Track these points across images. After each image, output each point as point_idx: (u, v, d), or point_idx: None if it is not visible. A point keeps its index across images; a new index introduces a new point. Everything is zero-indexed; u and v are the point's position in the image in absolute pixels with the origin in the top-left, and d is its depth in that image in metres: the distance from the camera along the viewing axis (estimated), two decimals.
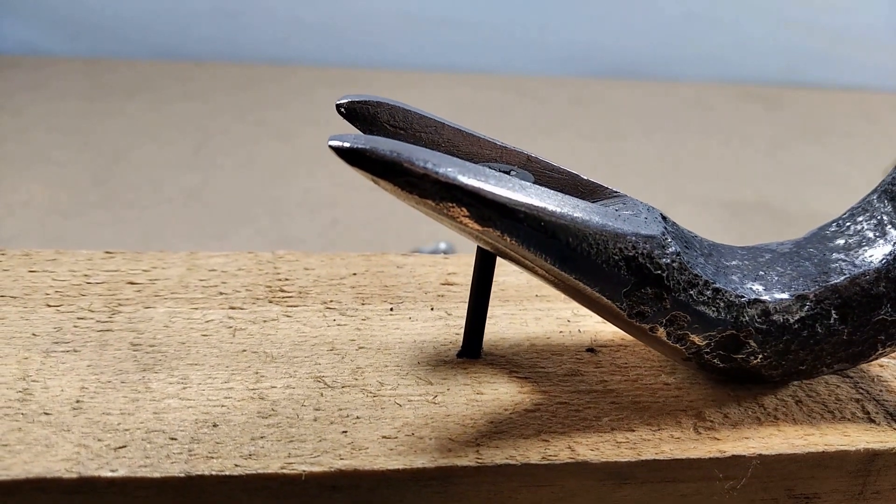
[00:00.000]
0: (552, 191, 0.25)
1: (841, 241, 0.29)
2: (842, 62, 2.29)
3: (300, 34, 1.87)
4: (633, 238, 0.25)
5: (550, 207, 0.24)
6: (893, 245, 0.28)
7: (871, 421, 0.29)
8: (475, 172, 0.23)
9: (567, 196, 0.25)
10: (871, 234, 0.29)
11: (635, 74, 2.19)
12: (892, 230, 0.28)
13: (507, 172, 0.27)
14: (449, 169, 0.22)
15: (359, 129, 0.29)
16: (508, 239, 0.24)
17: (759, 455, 0.27)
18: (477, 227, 0.23)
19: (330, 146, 0.22)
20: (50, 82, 1.51)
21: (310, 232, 1.03)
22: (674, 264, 0.26)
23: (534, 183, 0.25)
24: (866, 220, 0.29)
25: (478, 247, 0.29)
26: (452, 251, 0.91)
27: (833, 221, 0.30)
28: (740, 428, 0.28)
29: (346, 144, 0.22)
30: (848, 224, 0.30)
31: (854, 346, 0.29)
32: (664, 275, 0.26)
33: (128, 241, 0.95)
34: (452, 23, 2.02)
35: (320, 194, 1.15)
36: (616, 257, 0.25)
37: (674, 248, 0.26)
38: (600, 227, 0.25)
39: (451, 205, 0.23)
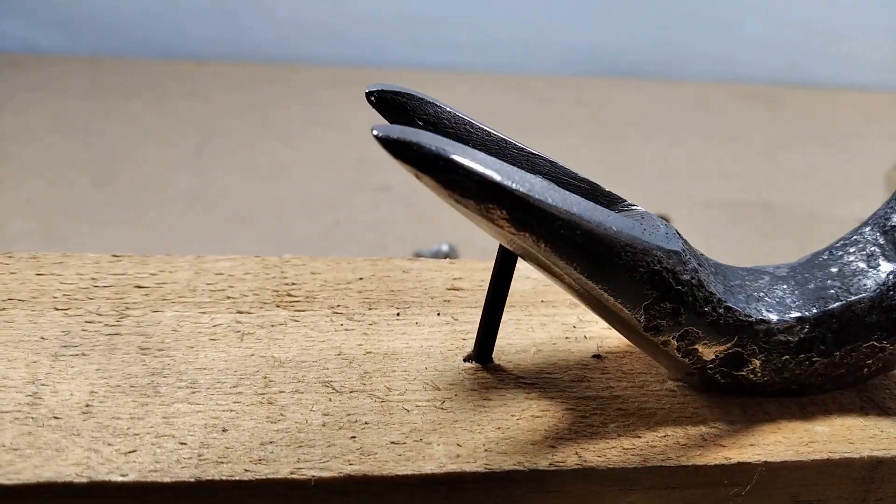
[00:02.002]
0: (588, 201, 0.25)
1: (835, 269, 0.30)
2: (842, 62, 2.30)
3: (302, 33, 1.87)
4: (659, 253, 0.26)
5: (587, 217, 0.24)
6: (886, 276, 0.29)
7: (876, 428, 0.29)
8: (519, 176, 0.23)
9: (599, 207, 0.25)
10: (863, 265, 0.30)
11: (636, 74, 2.19)
12: (883, 262, 0.29)
13: None
14: (493, 170, 0.22)
15: (386, 120, 0.29)
16: (542, 245, 0.24)
17: (765, 462, 0.27)
18: (513, 230, 0.23)
19: (374, 136, 0.22)
20: (51, 81, 1.51)
21: (312, 233, 1.03)
22: (693, 281, 0.26)
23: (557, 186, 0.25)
24: (858, 251, 0.30)
25: (499, 250, 0.29)
26: (455, 253, 0.91)
27: (826, 249, 0.31)
28: (745, 435, 0.28)
29: (393, 136, 0.22)
30: (840, 253, 0.31)
31: (842, 368, 0.30)
32: (684, 290, 0.26)
33: (130, 241, 0.95)
34: (452, 23, 2.02)
35: (323, 195, 1.15)
36: (643, 270, 0.25)
37: (693, 265, 0.26)
38: (630, 240, 0.25)
39: (492, 206, 0.23)
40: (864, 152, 1.73)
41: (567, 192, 0.24)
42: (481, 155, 0.23)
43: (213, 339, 0.32)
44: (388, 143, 0.22)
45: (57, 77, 1.54)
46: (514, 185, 0.23)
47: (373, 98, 0.28)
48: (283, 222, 1.05)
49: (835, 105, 2.16)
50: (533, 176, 0.24)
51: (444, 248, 0.90)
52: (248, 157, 1.27)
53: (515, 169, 0.23)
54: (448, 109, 0.29)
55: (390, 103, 0.28)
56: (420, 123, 0.29)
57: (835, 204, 1.41)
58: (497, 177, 0.22)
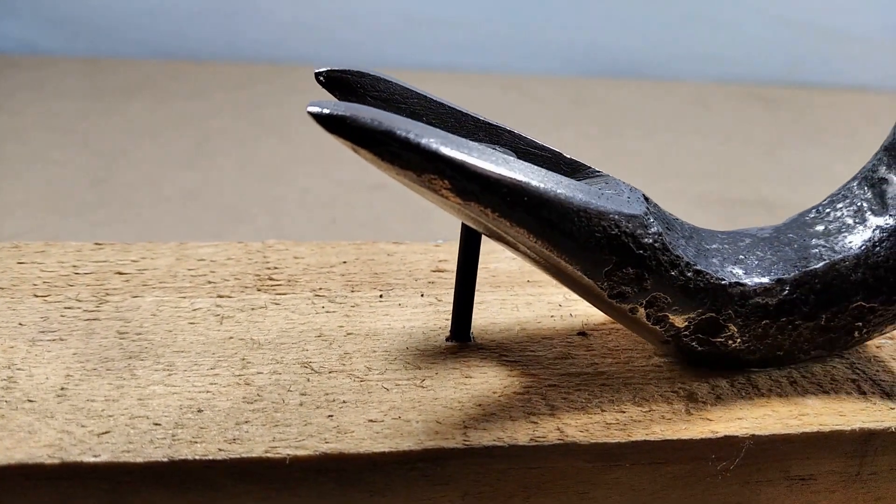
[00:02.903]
0: (536, 166, 0.24)
1: (821, 227, 0.29)
2: (842, 62, 2.29)
3: (300, 34, 1.87)
4: (616, 216, 0.25)
5: (534, 182, 0.24)
6: (873, 231, 0.28)
7: (867, 401, 0.29)
8: (458, 144, 0.23)
9: (551, 172, 0.24)
10: (850, 221, 0.29)
11: (635, 74, 2.19)
12: (871, 217, 0.28)
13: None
14: (431, 139, 0.22)
15: (337, 99, 0.29)
16: (490, 213, 0.23)
17: (753, 436, 0.26)
18: (458, 200, 0.23)
19: (309, 112, 0.21)
20: (49, 82, 1.51)
21: (308, 231, 1.02)
22: (656, 244, 0.26)
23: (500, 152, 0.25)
24: (846, 207, 0.29)
25: (462, 226, 0.29)
26: None
27: (813, 208, 0.30)
28: (733, 409, 0.28)
29: (326, 111, 0.21)
30: (828, 210, 0.30)
31: (831, 332, 0.29)
32: (646, 255, 0.25)
33: (128, 240, 0.94)
34: (452, 23, 2.02)
35: (319, 194, 1.15)
36: (598, 235, 0.25)
37: (656, 229, 0.26)
38: (584, 204, 0.24)
39: (433, 176, 0.22)
40: (863, 152, 1.72)
41: (512, 157, 0.24)
42: (420, 125, 0.22)
43: (192, 323, 0.31)
44: (322, 119, 0.21)
45: (55, 77, 1.54)
46: (452, 153, 0.22)
47: (322, 78, 0.28)
48: (279, 221, 1.05)
49: (835, 105, 2.16)
50: (475, 143, 0.23)
51: (440, 244, 0.90)
52: (245, 157, 1.27)
53: (457, 137, 0.23)
54: (399, 84, 0.28)
55: (340, 82, 0.28)
56: (371, 100, 0.28)
57: None
58: (434, 145, 0.22)
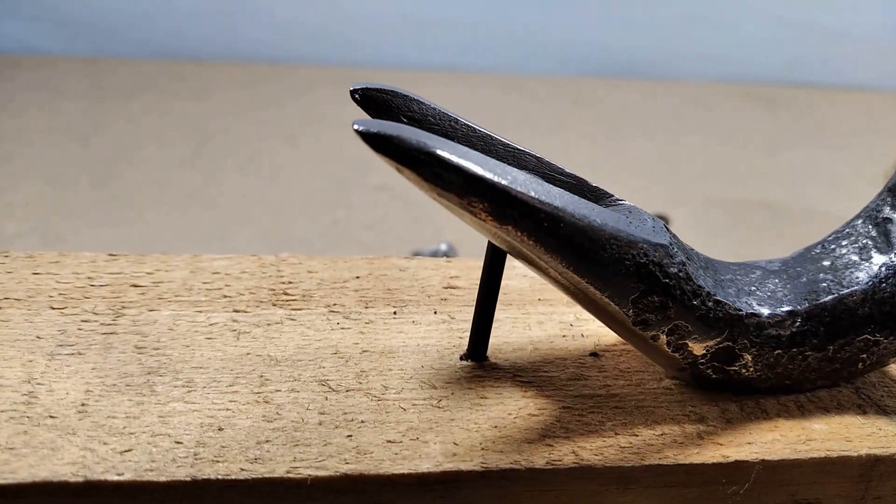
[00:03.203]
0: (572, 194, 0.25)
1: (827, 263, 0.30)
2: (842, 62, 2.30)
3: (300, 34, 1.87)
4: (645, 246, 0.25)
5: (570, 209, 0.24)
6: (878, 268, 0.29)
7: (873, 426, 0.29)
8: (500, 169, 0.23)
9: (584, 200, 0.25)
10: (855, 258, 0.30)
11: (635, 74, 2.19)
12: (876, 254, 0.29)
13: None
14: (475, 164, 0.22)
15: (371, 118, 0.29)
16: (526, 238, 0.24)
17: (762, 460, 0.27)
18: (496, 224, 0.23)
19: (355, 130, 0.21)
20: (50, 82, 1.51)
21: (311, 232, 1.03)
22: (680, 274, 0.26)
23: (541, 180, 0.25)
24: (851, 244, 0.30)
25: (488, 247, 0.29)
26: (453, 252, 0.91)
27: (818, 243, 0.31)
28: (743, 433, 0.28)
29: (373, 130, 0.21)
30: (833, 247, 0.30)
31: (837, 362, 0.29)
32: (671, 283, 0.26)
33: (129, 242, 0.95)
34: (452, 23, 2.02)
35: (321, 195, 1.15)
36: (628, 263, 0.25)
37: (681, 258, 0.26)
38: (615, 232, 0.25)
39: (473, 199, 0.23)
40: (863, 152, 1.73)
41: (550, 185, 0.24)
42: (463, 148, 0.23)
43: (209, 338, 0.32)
44: (369, 138, 0.21)
45: (56, 78, 1.53)
46: (495, 178, 0.22)
47: (357, 96, 0.28)
48: (281, 222, 1.05)
49: (835, 105, 2.16)
50: (516, 169, 0.24)
51: (443, 247, 0.90)
52: (247, 157, 1.27)
53: (497, 162, 0.23)
54: (433, 106, 0.29)
55: (375, 101, 0.28)
56: (405, 120, 0.28)
57: (834, 203, 1.41)
58: (478, 169, 0.22)
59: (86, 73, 1.58)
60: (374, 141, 0.22)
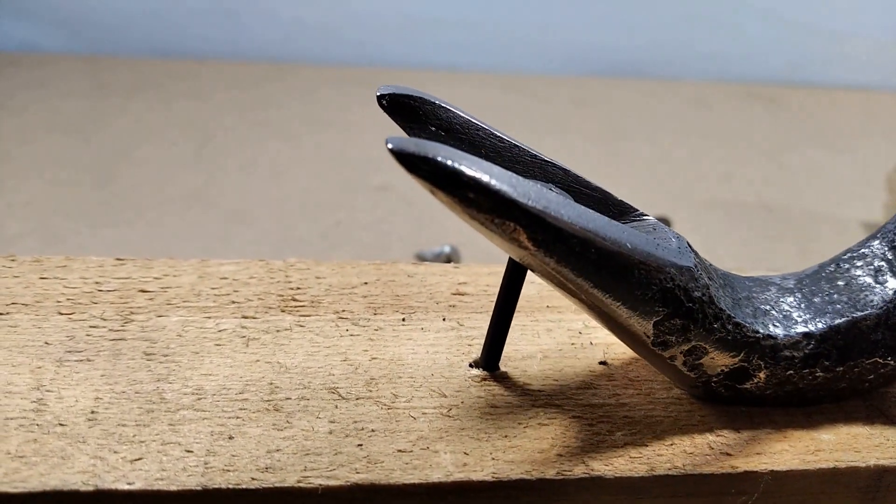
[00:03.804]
0: (604, 217, 0.25)
1: (842, 283, 0.30)
2: (842, 62, 2.29)
3: (302, 33, 1.86)
4: (672, 270, 0.25)
5: (603, 234, 0.24)
6: (893, 293, 0.29)
7: (881, 437, 0.29)
8: (536, 193, 0.23)
9: (615, 223, 0.25)
10: (870, 280, 0.30)
11: (636, 73, 2.19)
12: (891, 278, 0.29)
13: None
14: (510, 187, 0.22)
15: (398, 123, 0.28)
16: (556, 262, 0.24)
17: (771, 471, 0.27)
18: (530, 247, 0.23)
19: (389, 150, 0.21)
20: (51, 81, 1.50)
21: (313, 233, 1.02)
22: (704, 298, 0.26)
23: (572, 201, 0.25)
24: (866, 265, 0.30)
25: (509, 260, 0.29)
26: (456, 254, 0.91)
27: (833, 261, 0.31)
28: (752, 443, 0.28)
29: (409, 150, 0.21)
30: (847, 266, 0.30)
31: (843, 382, 0.30)
32: (695, 307, 0.26)
33: (130, 241, 0.95)
34: (452, 22, 2.02)
35: (323, 194, 1.15)
36: (655, 288, 0.25)
37: (704, 281, 0.26)
38: (645, 258, 0.25)
39: (507, 223, 0.22)
40: (865, 153, 1.73)
41: (583, 207, 0.24)
42: (497, 169, 0.22)
43: (218, 345, 0.32)
44: (404, 158, 0.21)
45: (57, 76, 1.53)
46: (531, 203, 0.22)
47: (384, 101, 0.28)
48: (283, 222, 1.05)
49: (835, 105, 2.16)
50: (549, 191, 0.23)
51: (447, 249, 0.90)
52: (249, 157, 1.27)
53: (531, 184, 0.23)
54: (460, 114, 0.28)
55: (402, 107, 0.28)
56: (432, 128, 0.28)
57: (835, 205, 1.41)
58: (514, 194, 0.22)
59: (87, 72, 1.57)
60: (409, 162, 0.21)
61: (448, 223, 1.04)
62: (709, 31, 2.24)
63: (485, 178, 0.22)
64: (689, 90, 2.14)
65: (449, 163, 0.21)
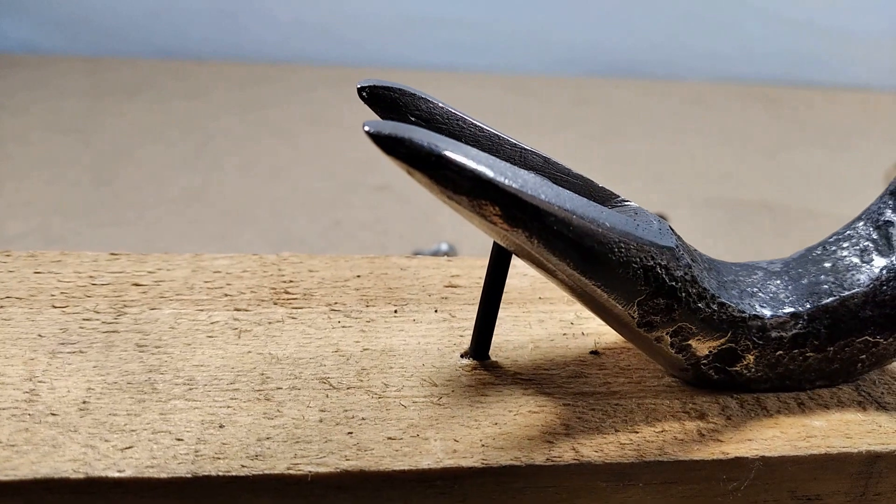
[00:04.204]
0: (581, 197, 0.25)
1: (828, 264, 0.30)
2: (842, 62, 2.30)
3: (301, 33, 1.87)
4: (652, 249, 0.25)
5: (580, 212, 0.24)
6: (880, 271, 0.29)
7: (874, 423, 0.29)
8: (511, 173, 0.23)
9: (593, 203, 0.25)
10: (856, 260, 0.30)
11: (636, 74, 2.19)
12: (877, 257, 0.29)
13: None
14: (486, 167, 0.22)
15: (378, 116, 0.29)
16: (535, 241, 0.24)
17: (762, 457, 0.27)
18: (507, 227, 0.23)
19: (366, 132, 0.21)
20: (51, 81, 1.51)
21: (311, 233, 1.03)
22: (686, 276, 0.26)
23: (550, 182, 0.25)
24: (852, 246, 0.30)
25: (493, 246, 0.29)
26: (454, 252, 0.91)
27: (819, 245, 0.31)
28: (743, 430, 0.28)
29: (385, 132, 0.21)
30: (833, 248, 0.31)
31: (836, 363, 0.30)
32: (677, 286, 0.26)
33: (130, 241, 0.95)
34: (452, 22, 2.03)
35: (322, 195, 1.15)
36: (636, 266, 0.25)
37: (686, 261, 0.26)
38: (624, 237, 0.25)
39: (484, 203, 0.23)
40: (863, 152, 1.73)
41: (560, 188, 0.24)
42: (474, 151, 0.22)
43: (210, 337, 0.32)
44: (380, 140, 0.21)
45: (56, 77, 1.54)
46: (507, 182, 0.22)
47: (364, 93, 0.28)
48: (282, 221, 1.05)
49: (835, 105, 2.16)
50: (526, 172, 0.24)
51: (444, 247, 0.90)
52: (248, 157, 1.27)
53: (508, 165, 0.23)
54: (440, 105, 0.29)
55: (382, 99, 0.28)
56: (412, 119, 0.28)
57: (834, 204, 1.41)
58: (490, 173, 0.22)
59: (86, 73, 1.58)
60: (385, 143, 0.21)
61: (445, 222, 1.05)
62: (708, 31, 2.25)
63: (460, 157, 0.22)
64: (689, 90, 2.15)
65: (425, 143, 0.21)
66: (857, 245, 0.30)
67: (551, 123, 1.75)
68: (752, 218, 1.37)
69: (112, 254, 0.38)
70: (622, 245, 0.25)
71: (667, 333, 0.27)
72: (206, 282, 0.36)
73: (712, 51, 2.26)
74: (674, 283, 0.26)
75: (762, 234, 1.31)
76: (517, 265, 0.39)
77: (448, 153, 0.22)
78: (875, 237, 0.30)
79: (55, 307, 0.33)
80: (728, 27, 2.27)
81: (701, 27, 2.25)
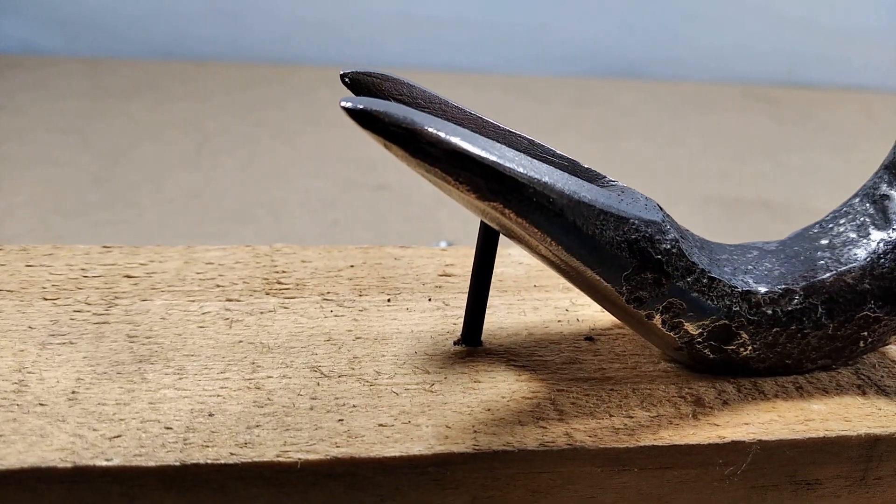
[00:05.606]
0: (560, 171, 0.25)
1: (825, 241, 0.30)
2: (842, 62, 2.29)
3: (301, 34, 1.87)
4: (636, 222, 0.25)
5: (559, 185, 0.24)
6: (877, 244, 0.29)
7: (873, 407, 0.29)
8: (487, 145, 0.23)
9: (574, 178, 0.25)
10: (854, 235, 0.29)
11: (636, 74, 2.19)
12: (874, 231, 0.29)
13: None
14: (461, 139, 0.22)
15: None
16: (514, 215, 0.23)
17: (759, 441, 0.27)
18: (484, 200, 0.23)
19: (342, 107, 0.21)
20: (50, 82, 1.51)
21: (310, 232, 1.02)
22: (673, 250, 0.26)
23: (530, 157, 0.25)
24: (849, 222, 0.30)
25: (480, 227, 0.29)
26: None
27: (816, 223, 0.31)
28: (740, 414, 0.28)
29: (360, 106, 0.21)
30: (831, 225, 0.30)
31: (837, 341, 0.29)
32: (664, 260, 0.26)
33: (129, 241, 0.95)
34: (452, 23, 2.03)
35: (321, 194, 1.15)
36: (619, 239, 0.25)
37: (673, 235, 0.26)
38: (605, 209, 0.25)
39: (461, 175, 0.22)
40: (863, 152, 1.73)
41: (539, 161, 0.24)
42: (451, 125, 0.22)
43: (201, 327, 0.32)
44: (357, 114, 0.21)
45: (56, 77, 1.54)
46: (483, 153, 0.22)
47: (347, 79, 0.28)
48: (281, 221, 1.05)
49: (835, 105, 2.16)
50: (503, 146, 0.23)
51: (443, 245, 0.90)
52: (247, 157, 1.27)
53: (485, 139, 0.23)
54: (423, 89, 0.29)
55: (364, 84, 0.28)
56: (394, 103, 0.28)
57: (833, 203, 1.40)
58: (465, 145, 0.22)
59: (86, 73, 1.58)
60: (361, 117, 0.21)
61: (444, 221, 1.04)
62: (709, 31, 2.24)
63: (436, 130, 0.22)
64: (689, 90, 2.14)
65: (401, 116, 0.21)
66: (855, 221, 0.30)
67: (551, 124, 1.75)
68: (751, 218, 1.37)
69: (104, 246, 0.37)
70: (603, 218, 0.24)
71: (657, 310, 0.27)
72: (198, 273, 0.36)
73: (712, 51, 2.26)
74: (660, 257, 0.26)
75: (762, 233, 1.30)
76: (513, 254, 0.39)
77: (424, 126, 0.22)
78: (872, 212, 0.29)
79: (46, 299, 0.33)
80: (728, 27, 2.26)
81: (701, 27, 2.25)
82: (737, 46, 2.26)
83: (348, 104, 0.21)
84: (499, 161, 0.23)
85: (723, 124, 1.91)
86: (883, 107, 2.15)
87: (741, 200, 1.43)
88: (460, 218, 1.06)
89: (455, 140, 0.22)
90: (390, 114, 0.21)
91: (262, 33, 1.83)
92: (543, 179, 0.23)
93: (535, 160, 0.24)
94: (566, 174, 0.24)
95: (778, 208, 1.41)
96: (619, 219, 0.25)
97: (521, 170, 0.23)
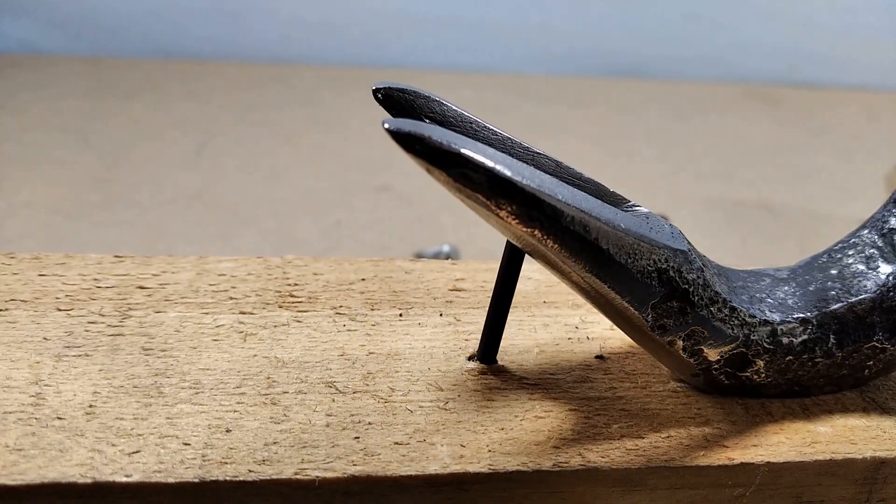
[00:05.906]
0: (594, 198, 0.25)
1: (835, 271, 0.30)
2: (842, 62, 2.30)
3: (302, 33, 1.87)
4: (667, 251, 0.26)
5: (596, 213, 0.24)
6: (886, 277, 0.29)
7: (878, 429, 0.29)
8: (529, 173, 0.23)
9: (607, 206, 0.25)
10: (862, 267, 0.30)
11: (636, 74, 2.19)
12: (883, 264, 0.30)
13: None
14: (504, 166, 0.22)
15: (393, 117, 0.29)
16: (551, 242, 0.24)
17: (767, 463, 0.27)
18: (523, 226, 0.23)
19: (386, 129, 0.21)
20: (51, 81, 1.51)
21: (313, 233, 1.03)
22: (699, 280, 0.27)
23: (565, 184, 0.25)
24: (857, 254, 0.31)
25: (506, 247, 0.29)
26: (456, 254, 0.91)
27: (824, 252, 0.32)
28: (748, 435, 0.29)
29: (405, 129, 0.21)
30: (839, 256, 0.31)
31: (844, 369, 0.30)
32: (690, 290, 0.26)
33: (131, 241, 0.95)
34: (453, 22, 2.02)
35: (323, 195, 1.15)
36: (650, 268, 0.25)
37: (699, 264, 0.27)
38: (639, 238, 0.25)
39: (502, 202, 0.23)
40: (864, 153, 1.73)
41: (576, 189, 0.25)
42: (491, 150, 0.23)
43: (216, 340, 0.32)
44: (400, 137, 0.21)
45: (57, 77, 1.53)
46: (525, 181, 0.23)
47: (380, 95, 0.28)
48: (283, 222, 1.05)
49: (835, 105, 2.16)
50: (542, 172, 0.24)
51: (446, 248, 0.91)
52: (249, 158, 1.27)
53: (525, 165, 0.23)
54: (454, 108, 0.29)
55: (396, 101, 0.28)
56: (426, 121, 0.28)
57: (835, 204, 1.41)
58: (508, 172, 0.22)
59: (87, 73, 1.58)
60: (406, 140, 0.22)
61: (447, 223, 1.05)
62: (709, 31, 2.25)
63: (479, 156, 0.22)
64: (689, 90, 2.15)
65: (444, 141, 0.22)
66: (863, 252, 0.30)
67: (552, 124, 1.75)
68: (752, 219, 1.37)
69: (116, 256, 0.38)
70: (637, 247, 0.25)
71: (679, 338, 0.27)
72: (211, 285, 0.36)
73: (713, 51, 2.26)
74: (687, 286, 0.26)
75: (762, 234, 1.31)
76: (523, 269, 0.39)
77: (467, 151, 0.22)
78: (880, 244, 0.30)
79: (60, 310, 0.33)
80: (728, 27, 2.27)
81: (701, 27, 2.25)
82: (737, 46, 2.27)
83: (392, 127, 0.22)
84: (540, 189, 0.23)
85: (723, 124, 1.91)
86: (886, 107, 2.16)
87: (741, 201, 1.44)
88: (463, 220, 1.07)
89: (497, 167, 0.22)
90: (434, 139, 0.22)
91: (262, 33, 1.83)
92: (581, 207, 0.24)
93: (572, 188, 0.24)
94: (600, 202, 0.25)
95: (778, 209, 1.41)
96: (651, 248, 0.25)
97: (560, 198, 0.23)
